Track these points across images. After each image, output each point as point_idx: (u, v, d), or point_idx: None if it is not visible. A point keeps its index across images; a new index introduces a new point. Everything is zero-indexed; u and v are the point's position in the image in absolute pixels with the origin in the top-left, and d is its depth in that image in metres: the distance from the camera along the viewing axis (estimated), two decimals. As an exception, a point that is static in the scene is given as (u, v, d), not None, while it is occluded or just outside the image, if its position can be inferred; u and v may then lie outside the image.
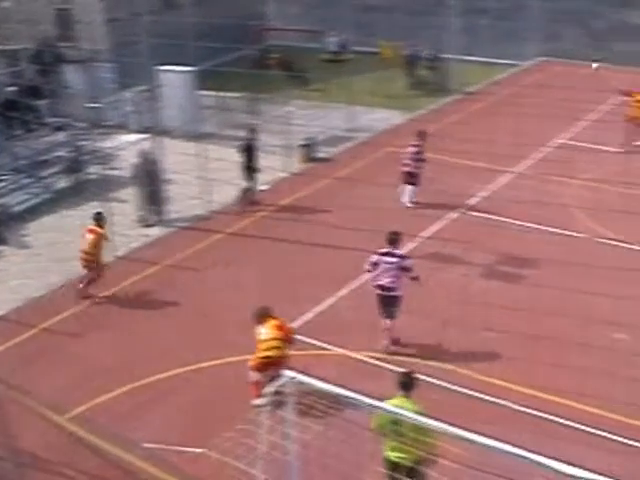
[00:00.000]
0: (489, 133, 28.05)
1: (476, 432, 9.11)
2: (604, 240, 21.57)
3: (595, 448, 13.37)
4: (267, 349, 14.51)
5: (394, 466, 11.40)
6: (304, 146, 27.50)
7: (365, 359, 16.24)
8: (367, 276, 17.44)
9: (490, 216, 22.79)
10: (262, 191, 24.29)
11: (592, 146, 28.53)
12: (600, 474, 8.39)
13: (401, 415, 10.27)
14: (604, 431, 13.96)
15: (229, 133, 28.39)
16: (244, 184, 23.93)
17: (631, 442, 13.80)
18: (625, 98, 29.17)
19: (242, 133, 24.73)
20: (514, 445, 8.82)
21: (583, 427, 14.08)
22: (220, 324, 17.53)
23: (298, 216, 23.09)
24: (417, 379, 11.85)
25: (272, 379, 13.23)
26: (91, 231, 18.99)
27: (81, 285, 18.97)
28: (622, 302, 18.29)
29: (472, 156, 25.41)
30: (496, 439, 8.91)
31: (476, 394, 14.94)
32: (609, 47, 43.19)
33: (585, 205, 23.69)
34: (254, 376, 14.64)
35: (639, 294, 18.46)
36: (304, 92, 34.44)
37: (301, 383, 10.51)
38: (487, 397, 14.88)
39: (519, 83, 37.50)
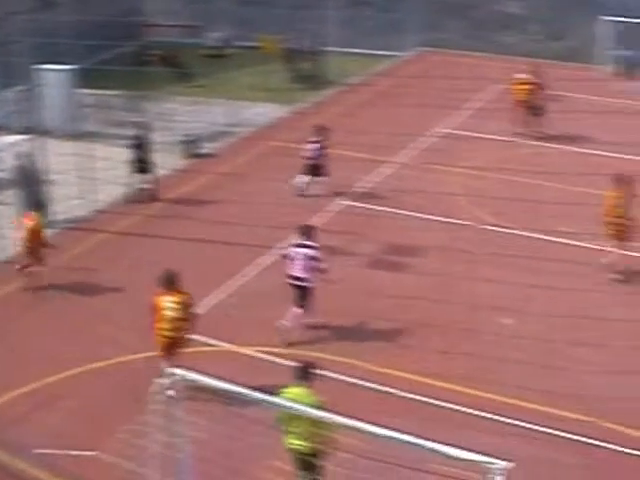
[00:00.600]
0: (371, 124, 28.30)
1: (370, 422, 9.21)
2: (488, 227, 21.96)
3: (487, 432, 13.55)
4: (172, 329, 14.37)
5: (296, 454, 11.45)
6: (186, 142, 27.27)
7: (255, 354, 16.21)
8: (253, 271, 17.53)
9: (375, 207, 22.96)
10: (146, 189, 24.03)
11: (474, 134, 29.00)
12: (494, 457, 8.58)
13: (295, 409, 10.37)
14: (496, 415, 14.19)
15: (112, 131, 28.03)
16: (136, 181, 23.75)
17: (523, 424, 14.07)
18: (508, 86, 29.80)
19: (127, 131, 24.46)
20: (407, 433, 8.94)
21: (475, 412, 14.28)
22: (110, 324, 17.22)
23: (183, 213, 22.87)
24: (315, 369, 11.89)
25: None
26: None
27: None
28: (507, 287, 18.66)
29: (355, 147, 25.59)
30: (390, 428, 9.02)
31: (369, 384, 15.00)
32: (489, 37, 43.94)
33: (468, 193, 24.06)
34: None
35: (523, 279, 18.85)
36: (186, 88, 34.17)
37: (191, 380, 10.48)
38: (380, 387, 14.95)
39: (400, 74, 37.79)
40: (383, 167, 26.06)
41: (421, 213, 22.52)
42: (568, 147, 28.16)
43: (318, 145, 23.84)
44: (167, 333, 14.41)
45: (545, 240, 21.30)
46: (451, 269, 19.39)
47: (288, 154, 26.21)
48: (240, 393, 10.21)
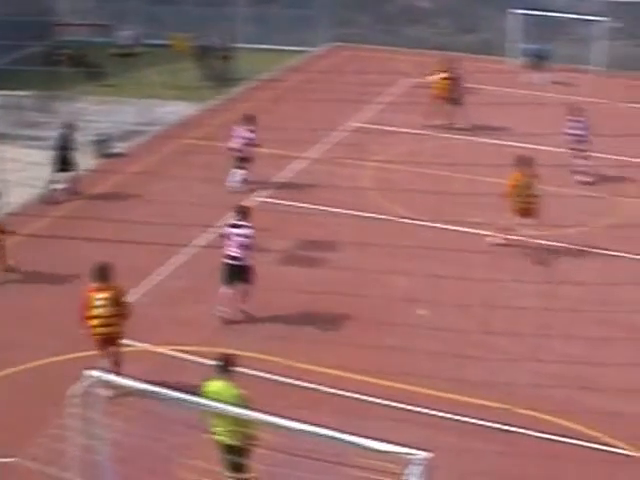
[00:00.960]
0: (283, 120, 28.32)
1: (287, 417, 9.29)
2: (400, 219, 22.20)
3: (404, 423, 13.74)
4: (104, 326, 14.45)
5: (222, 448, 11.55)
6: (97, 142, 26.99)
7: (171, 353, 16.18)
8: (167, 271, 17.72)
9: (288, 202, 23.03)
10: (66, 188, 23.72)
11: (385, 128, 29.25)
12: (414, 448, 8.73)
13: (214, 407, 10.43)
14: (414, 406, 14.43)
15: (22, 133, 27.66)
16: (57, 180, 23.53)
17: (440, 414, 14.30)
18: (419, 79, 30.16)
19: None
20: (329, 428, 9.05)
21: (392, 404, 14.49)
22: (23, 328, 16.97)
23: (96, 213, 22.59)
24: (235, 362, 11.99)
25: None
26: None
27: None
28: (421, 279, 18.90)
29: (267, 143, 25.53)
30: (306, 422, 9.11)
31: (285, 380, 15.11)
32: (399, 31, 44.24)
33: (380, 186, 24.26)
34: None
35: (436, 270, 19.11)
36: (97, 88, 33.81)
37: (108, 382, 10.46)
38: (297, 382, 15.06)
39: (311, 69, 37.88)
40: (296, 162, 26.13)
41: (334, 207, 22.65)
42: (479, 138, 28.59)
43: (247, 135, 23.99)
44: (99, 330, 14.45)
45: (457, 231, 21.61)
46: (365, 263, 19.53)
47: (199, 152, 26.23)
48: (157, 393, 10.22)
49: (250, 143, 24.09)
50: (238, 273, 17.25)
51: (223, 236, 17.59)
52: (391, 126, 29.39)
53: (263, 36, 39.74)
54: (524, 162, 20.77)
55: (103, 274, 14.70)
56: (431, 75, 29.87)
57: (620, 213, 23.45)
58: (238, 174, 24.20)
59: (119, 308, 14.60)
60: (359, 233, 21.24)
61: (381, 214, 22.44)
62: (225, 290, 17.34)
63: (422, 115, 29.19)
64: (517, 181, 20.50)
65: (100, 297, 14.45)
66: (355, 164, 25.65)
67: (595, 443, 13.91)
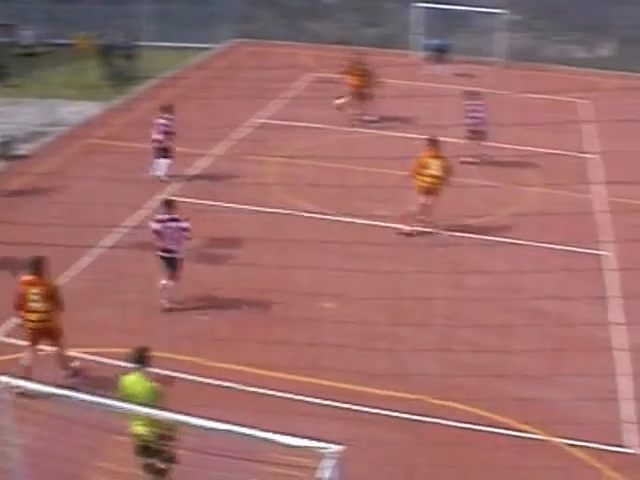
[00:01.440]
0: (187, 118, 28.05)
1: (199, 416, 9.28)
2: (304, 214, 22.29)
3: (316, 417, 13.82)
4: (38, 320, 14.64)
5: (141, 440, 11.50)
6: (1, 144, 26.55)
7: (79, 355, 15.99)
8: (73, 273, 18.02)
9: (193, 200, 22.90)
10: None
11: (289, 123, 29.34)
12: (324, 441, 8.79)
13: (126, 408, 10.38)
14: (323, 399, 14.58)
15: None
16: None
17: (351, 407, 14.44)
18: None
19: None
20: (237, 424, 9.06)
21: (303, 398, 14.64)
22: None
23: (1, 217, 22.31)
24: (150, 354, 12.06)
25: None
26: None
27: None
28: (327, 272, 18.96)
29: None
30: (218, 420, 9.11)
31: (196, 378, 15.09)
32: (303, 26, 44.35)
33: (284, 181, 24.37)
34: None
35: (341, 263, 19.11)
36: (0, 88, 33.28)
37: (17, 386, 10.32)
38: (207, 380, 15.08)
39: (215, 66, 37.75)
40: (201, 160, 26.06)
41: (239, 204, 22.65)
42: (384, 132, 28.87)
43: (166, 122, 24.40)
44: (34, 324, 14.60)
45: (362, 224, 21.77)
46: (271, 258, 19.53)
47: (104, 151, 25.99)
48: (67, 396, 10.13)
49: (168, 132, 24.39)
50: (170, 266, 17.74)
51: (155, 231, 17.81)
52: (295, 121, 29.48)
53: (166, 34, 39.49)
54: (431, 143, 21.89)
55: (37, 267, 14.78)
56: (344, 69, 30.31)
57: (522, 202, 23.92)
58: (162, 164, 24.49)
59: (54, 303, 14.71)
60: (264, 229, 21.26)
61: (286, 209, 22.51)
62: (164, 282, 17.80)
63: (339, 108, 29.46)
64: (421, 160, 21.65)
65: (35, 292, 14.57)
66: (260, 160, 25.67)
67: (505, 429, 14.21)
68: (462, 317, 17.62)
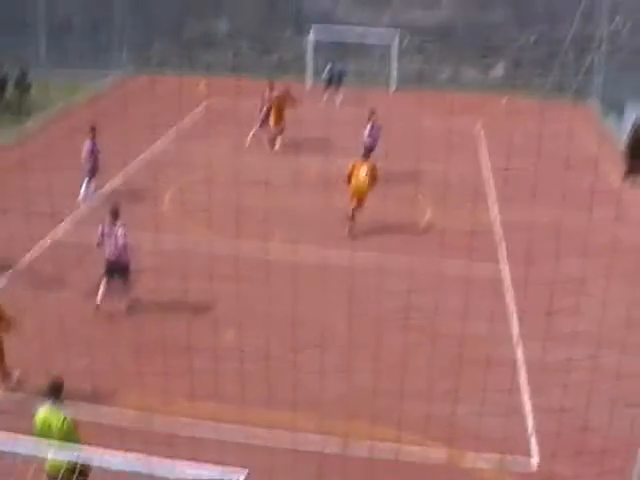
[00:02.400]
0: (80, 151, 27.80)
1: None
2: (202, 241, 22.21)
3: (219, 445, 13.83)
4: None
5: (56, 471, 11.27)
6: None
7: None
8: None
9: (86, 234, 22.61)
10: None
11: (186, 152, 29.21)
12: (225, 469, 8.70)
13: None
14: (226, 428, 14.60)
15: None
16: None
17: (252, 434, 14.55)
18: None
19: None
20: (138, 457, 8.89)
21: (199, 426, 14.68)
22: None
23: None
24: (63, 386, 12.11)
25: None
26: None
27: None
28: (225, 300, 18.85)
29: (64, 175, 25.08)
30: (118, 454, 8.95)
31: (96, 412, 14.83)
32: (197, 56, 44.29)
33: (182, 209, 24.29)
34: None
35: (241, 290, 19.01)
36: None
37: None
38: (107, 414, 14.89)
39: (109, 98, 37.47)
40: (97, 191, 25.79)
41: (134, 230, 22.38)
42: (281, 157, 28.92)
43: (92, 145, 25.69)
44: None
45: (259, 250, 21.71)
46: (168, 287, 19.38)
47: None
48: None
49: (94, 153, 25.62)
50: (117, 271, 18.90)
51: (102, 237, 18.92)
52: (191, 150, 29.35)
53: (61, 65, 39.02)
54: (365, 154, 25.56)
55: None
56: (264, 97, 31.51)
57: (416, 221, 24.19)
58: (91, 186, 25.54)
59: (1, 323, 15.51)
60: (160, 257, 21.01)
61: (183, 237, 22.34)
62: (105, 285, 18.97)
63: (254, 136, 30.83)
64: (352, 169, 24.28)
65: None
66: (156, 189, 25.41)
67: (411, 448, 14.41)
68: (361, 338, 17.62)
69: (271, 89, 32.10)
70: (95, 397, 15.44)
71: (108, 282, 19.13)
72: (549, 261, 19.77)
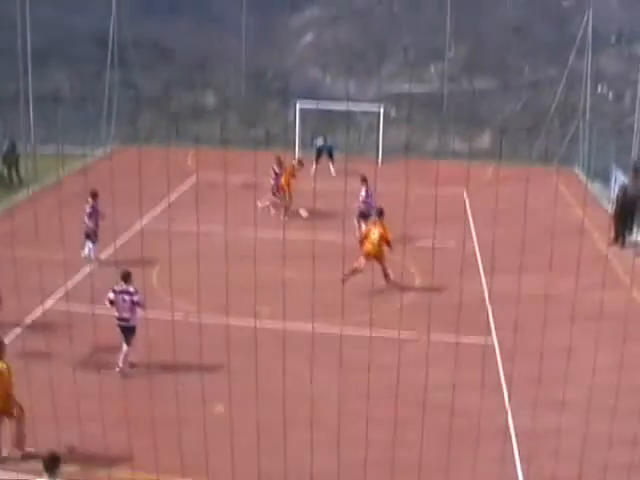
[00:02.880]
0: (67, 226, 27.81)
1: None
2: (187, 316, 22.37)
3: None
4: None
5: None
6: None
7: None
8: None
9: (77, 307, 22.51)
10: None
11: (173, 227, 29.09)
12: None
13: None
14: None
15: None
16: None
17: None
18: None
19: None
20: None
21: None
22: None
23: None
24: (59, 461, 12.57)
25: None
26: None
27: None
28: (214, 374, 18.80)
29: (53, 249, 25.13)
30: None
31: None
32: (184, 128, 44.62)
33: (168, 285, 24.26)
34: None
35: (228, 363, 18.95)
36: None
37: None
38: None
39: (97, 171, 37.61)
40: (85, 266, 25.78)
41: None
42: (267, 231, 28.99)
43: (91, 208, 27.90)
44: None
45: (246, 324, 21.66)
46: (157, 362, 19.32)
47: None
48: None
49: (96, 216, 27.89)
50: (125, 332, 20.44)
51: (112, 302, 20.48)
52: (179, 224, 29.39)
53: (47, 138, 39.23)
54: (379, 215, 27.15)
55: None
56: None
57: (407, 294, 24.17)
58: (93, 247, 27.65)
59: (5, 384, 16.35)
60: (149, 333, 20.93)
61: (169, 313, 22.29)
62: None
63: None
64: (369, 230, 27.01)
65: None
66: (143, 264, 25.40)
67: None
68: (351, 413, 17.52)
69: (279, 163, 34.11)
70: (85, 471, 15.26)
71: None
72: (537, 329, 19.79)
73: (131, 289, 20.65)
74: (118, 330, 20.59)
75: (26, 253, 23.94)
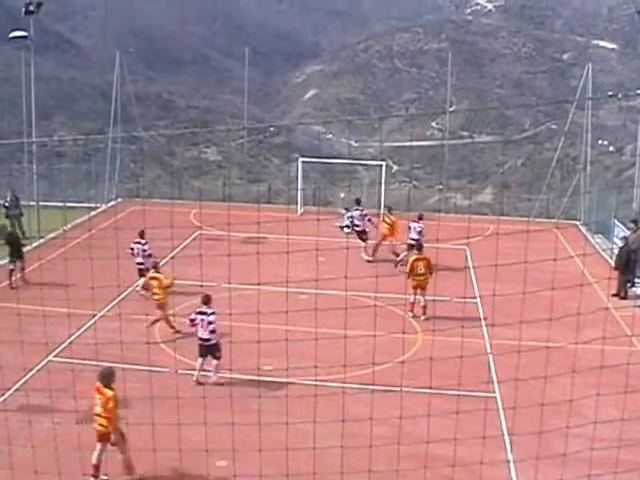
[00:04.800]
0: (73, 278, 27.98)
1: None
2: (190, 371, 22.12)
3: None
4: (96, 422, 17.80)
5: None
6: None
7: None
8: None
9: (79, 361, 22.62)
10: None
11: (177, 282, 29.27)
12: None
13: None
14: None
15: None
16: None
17: None
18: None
19: None
20: None
21: None
22: None
23: None
24: None
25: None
26: None
27: None
28: (216, 429, 18.70)
29: (56, 302, 25.19)
30: None
31: None
32: (187, 184, 44.88)
33: (171, 339, 24.26)
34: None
35: (230, 418, 18.89)
36: None
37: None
38: None
39: (100, 226, 37.80)
40: (86, 320, 25.81)
41: (124, 364, 22.27)
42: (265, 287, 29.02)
43: (143, 246, 30.63)
44: (95, 426, 17.82)
45: (248, 379, 21.65)
46: (159, 417, 19.19)
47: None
48: None
49: (146, 254, 30.50)
50: (208, 350, 22.40)
51: (193, 321, 22.63)
52: (183, 279, 29.46)
53: (51, 193, 39.51)
54: (418, 248, 29.56)
55: (105, 378, 18.18)
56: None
57: (409, 349, 24.15)
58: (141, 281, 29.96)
59: (110, 409, 17.65)
60: (149, 388, 20.91)
61: (172, 368, 22.31)
62: (200, 361, 22.60)
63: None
64: (413, 264, 28.71)
65: (98, 397, 17.91)
66: (145, 319, 25.45)
67: None
68: (355, 466, 17.45)
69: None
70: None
71: (202, 361, 22.72)
72: (539, 381, 19.75)
73: (208, 311, 22.66)
74: (198, 348, 22.62)
75: (34, 305, 23.96)
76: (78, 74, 43.41)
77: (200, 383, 22.41)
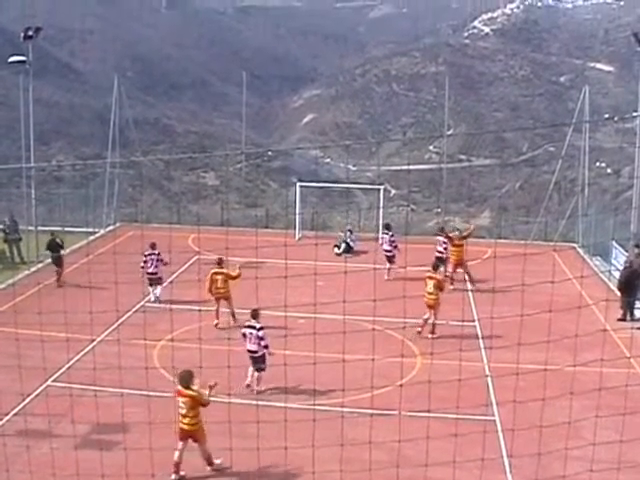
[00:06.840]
0: (71, 303, 27.93)
1: None
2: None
3: None
4: (182, 422, 19.00)
5: None
6: None
7: None
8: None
9: (78, 386, 22.59)
10: None
11: (174, 306, 29.24)
12: None
13: None
14: None
15: None
16: None
17: None
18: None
19: None
20: None
21: None
22: None
23: None
24: None
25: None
26: None
27: None
28: (216, 454, 18.66)
29: (53, 327, 25.17)
30: None
31: None
32: (185, 209, 44.92)
33: (168, 364, 24.15)
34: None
35: (227, 443, 18.83)
36: None
37: None
38: None
39: (98, 251, 37.79)
40: (84, 345, 25.77)
41: (123, 389, 22.24)
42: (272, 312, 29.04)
43: (158, 256, 31.70)
44: (180, 425, 19.07)
45: (247, 404, 21.61)
46: (157, 442, 19.17)
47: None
48: None
49: (162, 262, 31.67)
50: (255, 361, 23.56)
51: (244, 335, 23.68)
52: (180, 303, 29.47)
53: (49, 217, 39.56)
54: (434, 267, 30.06)
55: (185, 379, 19.36)
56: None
57: (407, 373, 24.12)
58: (158, 291, 31.51)
59: (196, 409, 19.05)
60: (149, 413, 20.87)
61: (170, 393, 22.24)
62: (250, 370, 23.77)
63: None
64: (425, 280, 29.09)
65: (182, 400, 19.08)
66: (143, 344, 25.38)
67: None
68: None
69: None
70: None
71: (252, 371, 23.79)
72: (538, 404, 19.75)
73: (257, 325, 23.54)
74: (248, 360, 23.60)
75: (33, 330, 23.96)
76: (76, 98, 43.68)
77: (248, 385, 23.78)
